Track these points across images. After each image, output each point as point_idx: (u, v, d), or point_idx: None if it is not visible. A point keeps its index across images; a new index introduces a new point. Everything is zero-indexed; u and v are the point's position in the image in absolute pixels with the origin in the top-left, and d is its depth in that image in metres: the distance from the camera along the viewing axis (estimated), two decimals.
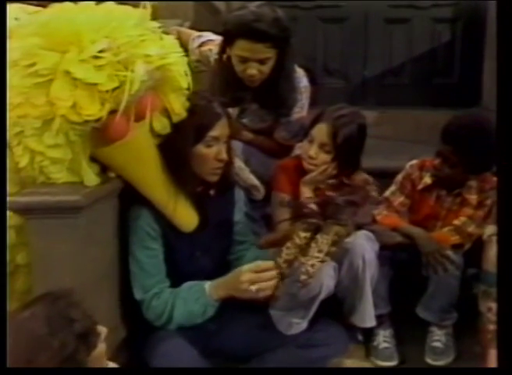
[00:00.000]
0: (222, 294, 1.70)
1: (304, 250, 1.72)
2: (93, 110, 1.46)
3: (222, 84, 2.14)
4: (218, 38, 2.22)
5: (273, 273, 1.63)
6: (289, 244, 1.74)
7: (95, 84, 1.45)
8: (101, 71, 1.45)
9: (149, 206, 1.70)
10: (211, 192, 1.84)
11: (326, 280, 1.84)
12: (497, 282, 1.46)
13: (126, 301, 1.76)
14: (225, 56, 2.13)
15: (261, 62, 2.03)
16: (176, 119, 1.68)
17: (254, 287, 1.62)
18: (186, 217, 1.74)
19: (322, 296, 1.85)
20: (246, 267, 1.65)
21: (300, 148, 2.11)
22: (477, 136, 1.99)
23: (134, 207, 1.73)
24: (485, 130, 1.98)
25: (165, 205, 1.69)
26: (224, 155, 1.75)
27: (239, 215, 1.94)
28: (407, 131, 3.48)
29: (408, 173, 2.23)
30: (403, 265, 2.12)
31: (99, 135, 1.54)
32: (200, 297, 1.70)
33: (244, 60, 2.04)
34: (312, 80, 2.27)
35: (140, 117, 1.58)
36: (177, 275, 1.77)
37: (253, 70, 2.04)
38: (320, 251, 1.71)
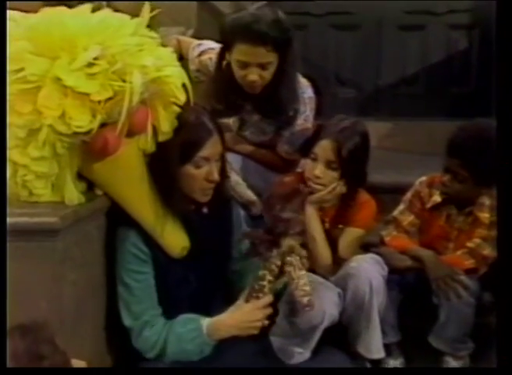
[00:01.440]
0: (224, 335, 1.61)
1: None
2: (83, 121, 1.39)
3: (220, 92, 2.06)
4: (218, 46, 2.14)
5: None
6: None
7: (87, 94, 1.37)
8: (94, 80, 1.38)
9: (138, 227, 1.61)
10: (205, 210, 1.73)
11: (329, 307, 1.76)
12: (497, 282, 1.38)
13: (112, 327, 1.68)
14: (224, 63, 2.05)
15: (262, 66, 1.94)
16: (162, 138, 1.58)
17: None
18: (175, 241, 1.65)
19: (325, 324, 1.76)
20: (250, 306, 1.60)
21: (302, 167, 2.03)
22: (485, 145, 1.87)
23: (122, 228, 1.64)
24: (493, 139, 1.86)
25: (154, 227, 1.61)
26: (215, 176, 1.65)
27: (238, 231, 1.84)
28: (421, 143, 3.41)
29: (417, 190, 2.13)
30: (414, 288, 2.01)
31: (88, 149, 1.47)
32: (196, 337, 1.60)
33: (244, 65, 1.95)
34: (317, 91, 2.16)
35: (132, 132, 1.50)
36: (169, 300, 1.68)
37: (254, 76, 1.95)
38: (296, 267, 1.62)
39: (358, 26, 3.92)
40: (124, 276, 1.63)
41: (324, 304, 1.72)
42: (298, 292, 1.60)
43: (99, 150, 1.46)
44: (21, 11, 1.54)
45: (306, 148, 1.98)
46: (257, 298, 1.60)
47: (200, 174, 1.63)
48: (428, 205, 2.08)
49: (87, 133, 1.40)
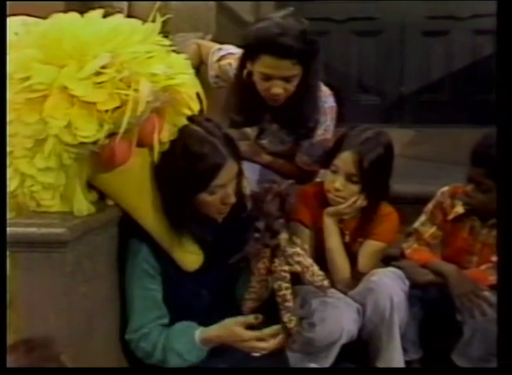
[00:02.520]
0: (216, 344, 1.58)
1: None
2: (89, 131, 1.34)
3: (239, 104, 2.01)
4: (238, 52, 2.09)
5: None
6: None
7: (94, 103, 1.33)
8: (102, 89, 1.34)
9: (149, 240, 1.58)
10: (219, 219, 1.68)
11: (347, 324, 1.71)
12: (497, 283, 1.35)
13: (124, 341, 1.64)
14: (245, 72, 1.98)
15: (286, 79, 1.88)
16: (160, 148, 1.52)
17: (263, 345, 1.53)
18: (188, 255, 1.61)
19: (343, 341, 1.72)
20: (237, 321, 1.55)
21: (322, 178, 1.97)
22: None
23: (134, 240, 1.61)
24: None
25: (165, 240, 1.57)
26: (231, 199, 1.60)
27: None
28: (445, 151, 3.34)
29: (439, 200, 2.06)
30: (437, 304, 1.93)
31: (97, 159, 1.44)
32: (192, 349, 1.57)
33: (268, 78, 1.89)
34: (339, 100, 2.11)
35: (143, 142, 1.47)
36: (182, 311, 1.64)
37: (278, 89, 1.89)
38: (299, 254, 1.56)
39: (380, 31, 3.89)
40: (131, 291, 1.61)
41: (342, 320, 1.68)
42: (317, 277, 1.56)
43: (108, 160, 1.42)
44: (34, 15, 1.53)
45: (326, 159, 1.92)
46: (287, 308, 1.53)
47: (215, 199, 1.58)
48: (450, 217, 2.01)
49: (94, 143, 1.37)
